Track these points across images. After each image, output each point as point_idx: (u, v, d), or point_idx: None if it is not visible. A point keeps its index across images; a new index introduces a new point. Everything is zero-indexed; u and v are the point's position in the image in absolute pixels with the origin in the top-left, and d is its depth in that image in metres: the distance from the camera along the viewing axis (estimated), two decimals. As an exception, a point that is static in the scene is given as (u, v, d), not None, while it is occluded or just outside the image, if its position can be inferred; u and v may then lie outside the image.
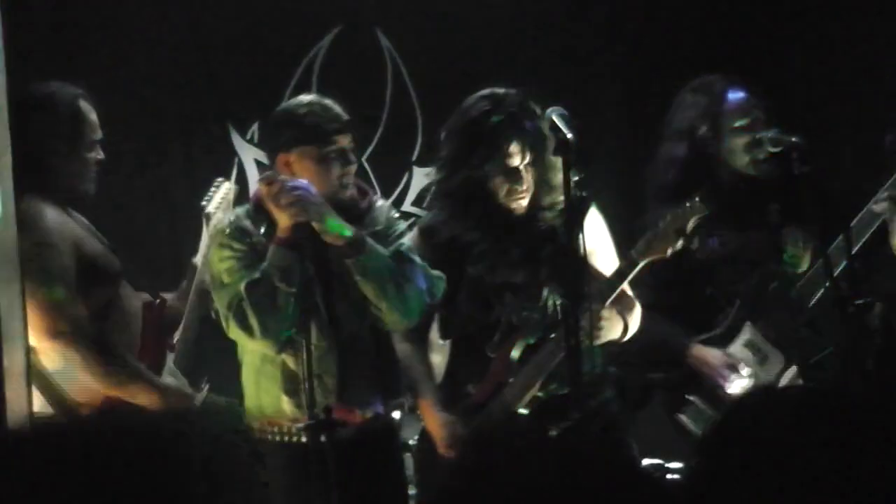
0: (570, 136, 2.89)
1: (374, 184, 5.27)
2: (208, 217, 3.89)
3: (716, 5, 5.26)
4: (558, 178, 3.17)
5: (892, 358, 3.66)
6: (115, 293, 3.41)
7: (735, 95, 3.75)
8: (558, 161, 3.11)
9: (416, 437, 4.37)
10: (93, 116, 3.50)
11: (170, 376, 3.52)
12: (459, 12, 5.32)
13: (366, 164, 5.28)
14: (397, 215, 3.46)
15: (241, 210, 3.47)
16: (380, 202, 3.46)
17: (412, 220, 5.11)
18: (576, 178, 3.09)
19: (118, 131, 4.69)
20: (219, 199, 3.91)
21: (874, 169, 4.60)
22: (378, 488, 3.33)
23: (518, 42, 5.37)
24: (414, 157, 5.43)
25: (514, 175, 3.23)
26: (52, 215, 3.27)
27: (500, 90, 3.30)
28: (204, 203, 4.00)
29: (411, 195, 5.42)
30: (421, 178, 5.43)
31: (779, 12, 5.10)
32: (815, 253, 3.37)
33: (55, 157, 3.36)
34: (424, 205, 5.33)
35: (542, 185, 3.27)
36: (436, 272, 3.33)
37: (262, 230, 3.31)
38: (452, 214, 3.35)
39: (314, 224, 3.14)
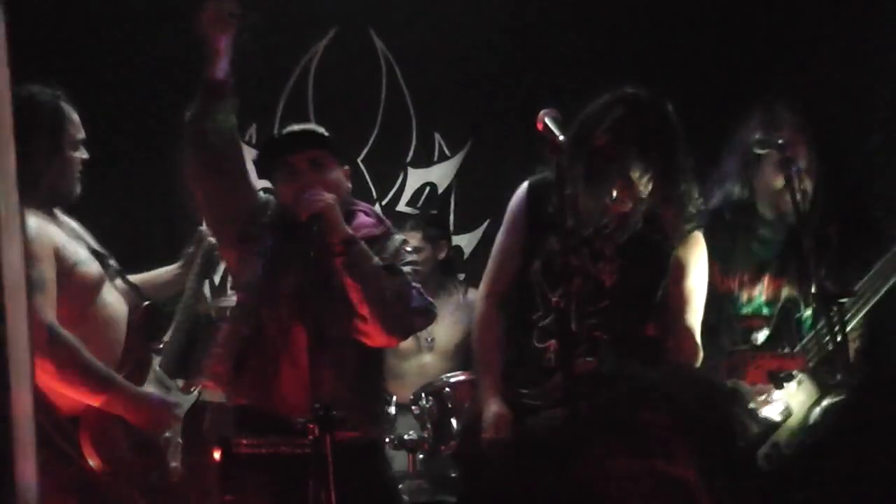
0: (562, 138, 2.85)
1: (370, 184, 5.27)
2: None
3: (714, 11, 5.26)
4: (684, 199, 3.12)
5: (875, 356, 3.67)
6: (94, 299, 3.36)
7: (777, 116, 3.69)
8: (689, 188, 3.10)
9: (411, 432, 4.38)
10: (74, 116, 3.44)
11: (155, 381, 3.48)
12: (453, 14, 5.31)
13: (361, 165, 5.27)
14: (410, 250, 3.37)
15: None
16: (397, 236, 3.38)
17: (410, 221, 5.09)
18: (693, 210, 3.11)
19: (116, 133, 4.70)
20: None
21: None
22: (366, 489, 3.27)
23: (512, 43, 5.37)
24: (409, 158, 5.43)
25: (628, 187, 3.07)
26: (33, 223, 3.20)
27: (643, 97, 3.10)
28: None
29: (406, 195, 5.42)
30: (416, 178, 5.44)
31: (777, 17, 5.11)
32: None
33: (38, 157, 3.28)
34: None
35: (659, 196, 3.11)
36: (430, 300, 3.27)
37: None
38: (559, 197, 3.17)
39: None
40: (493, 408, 3.17)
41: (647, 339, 3.18)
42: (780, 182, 3.57)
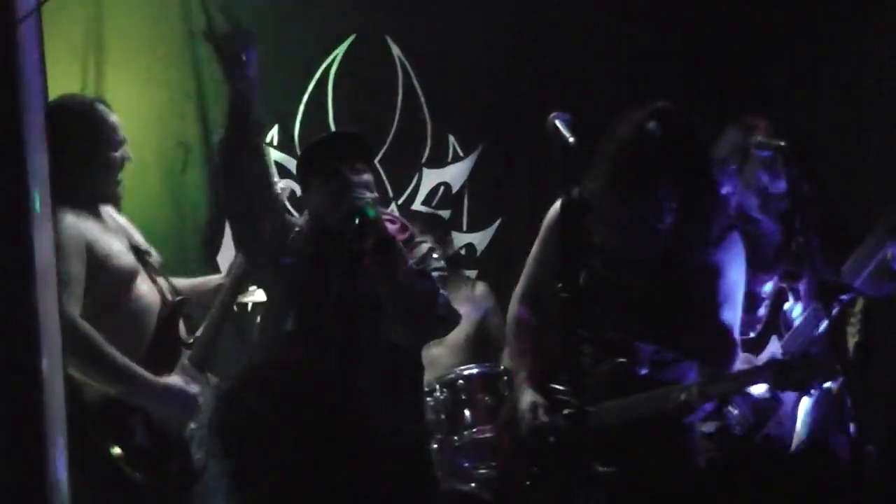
0: (571, 140, 2.83)
1: (387, 184, 5.27)
2: None
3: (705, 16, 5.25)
4: (714, 210, 3.11)
5: (871, 350, 3.66)
6: (126, 290, 3.37)
7: (764, 133, 3.63)
8: (719, 198, 3.10)
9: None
10: (112, 118, 3.44)
11: (182, 374, 3.48)
12: (467, 20, 5.32)
13: (378, 166, 5.27)
14: (437, 256, 3.33)
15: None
16: (424, 244, 3.36)
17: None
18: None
19: (142, 137, 4.71)
20: None
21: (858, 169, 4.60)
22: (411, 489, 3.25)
23: (525, 47, 5.37)
24: (423, 159, 5.43)
25: (658, 211, 3.05)
26: (67, 220, 3.22)
27: (672, 111, 3.02)
28: None
29: (421, 194, 5.42)
30: (431, 178, 5.44)
31: (768, 22, 5.09)
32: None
33: (76, 159, 3.30)
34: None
35: (690, 208, 3.06)
36: (455, 309, 3.26)
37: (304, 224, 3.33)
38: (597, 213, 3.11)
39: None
40: (528, 397, 3.20)
41: (683, 340, 3.15)
42: (772, 182, 3.58)
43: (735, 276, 3.19)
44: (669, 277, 3.11)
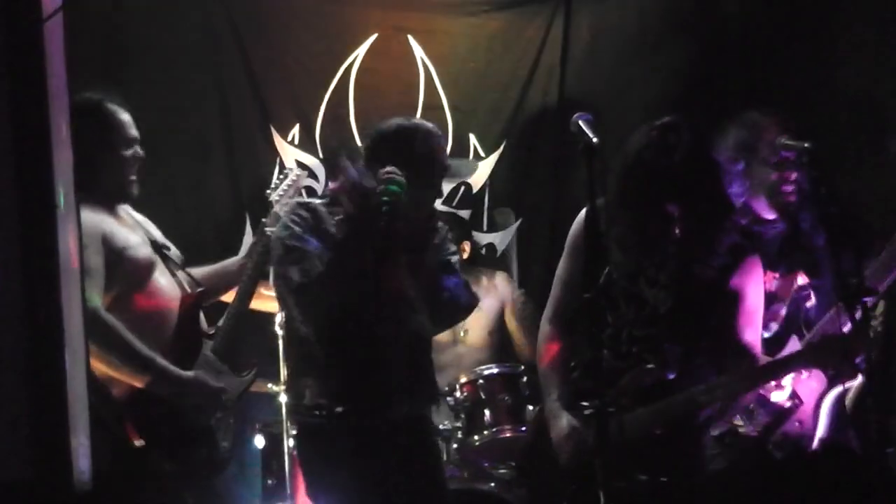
0: (595, 140, 2.82)
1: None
2: (271, 205, 3.90)
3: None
4: (730, 225, 3.09)
5: (893, 353, 3.65)
6: (146, 283, 3.39)
7: (772, 133, 3.61)
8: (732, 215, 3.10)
9: (446, 422, 4.39)
10: (123, 116, 3.45)
11: (206, 365, 3.50)
12: (489, 21, 5.31)
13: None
14: (450, 237, 3.41)
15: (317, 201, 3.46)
16: (442, 225, 3.41)
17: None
18: None
19: (167, 135, 4.73)
20: (285, 186, 3.91)
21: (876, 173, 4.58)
22: (416, 466, 3.33)
23: (545, 47, 5.36)
24: (444, 159, 5.42)
25: (665, 227, 3.04)
26: (84, 214, 3.25)
27: (679, 126, 3.00)
28: (268, 192, 3.99)
29: (441, 194, 5.42)
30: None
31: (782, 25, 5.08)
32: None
33: (86, 158, 3.32)
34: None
35: (697, 231, 3.05)
36: (474, 292, 3.33)
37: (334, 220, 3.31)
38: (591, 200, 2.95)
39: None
40: (564, 422, 3.13)
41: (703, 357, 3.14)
42: (783, 181, 3.57)
43: (755, 300, 3.16)
44: (684, 292, 3.09)
